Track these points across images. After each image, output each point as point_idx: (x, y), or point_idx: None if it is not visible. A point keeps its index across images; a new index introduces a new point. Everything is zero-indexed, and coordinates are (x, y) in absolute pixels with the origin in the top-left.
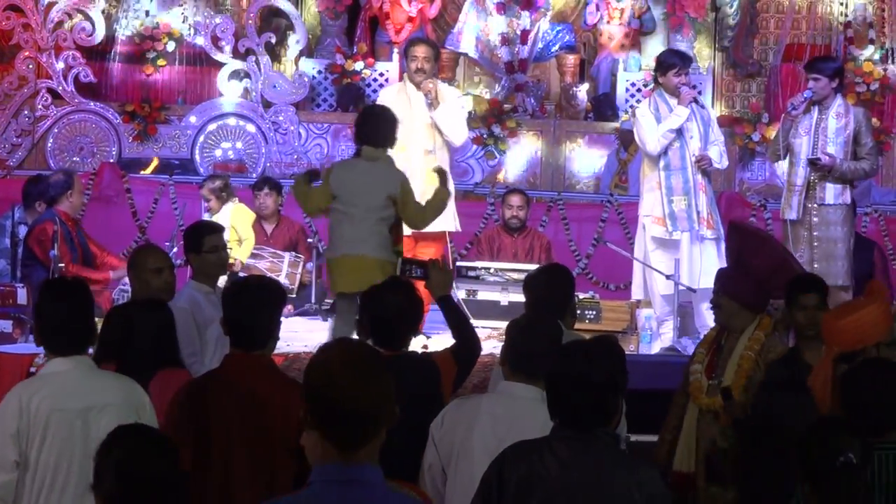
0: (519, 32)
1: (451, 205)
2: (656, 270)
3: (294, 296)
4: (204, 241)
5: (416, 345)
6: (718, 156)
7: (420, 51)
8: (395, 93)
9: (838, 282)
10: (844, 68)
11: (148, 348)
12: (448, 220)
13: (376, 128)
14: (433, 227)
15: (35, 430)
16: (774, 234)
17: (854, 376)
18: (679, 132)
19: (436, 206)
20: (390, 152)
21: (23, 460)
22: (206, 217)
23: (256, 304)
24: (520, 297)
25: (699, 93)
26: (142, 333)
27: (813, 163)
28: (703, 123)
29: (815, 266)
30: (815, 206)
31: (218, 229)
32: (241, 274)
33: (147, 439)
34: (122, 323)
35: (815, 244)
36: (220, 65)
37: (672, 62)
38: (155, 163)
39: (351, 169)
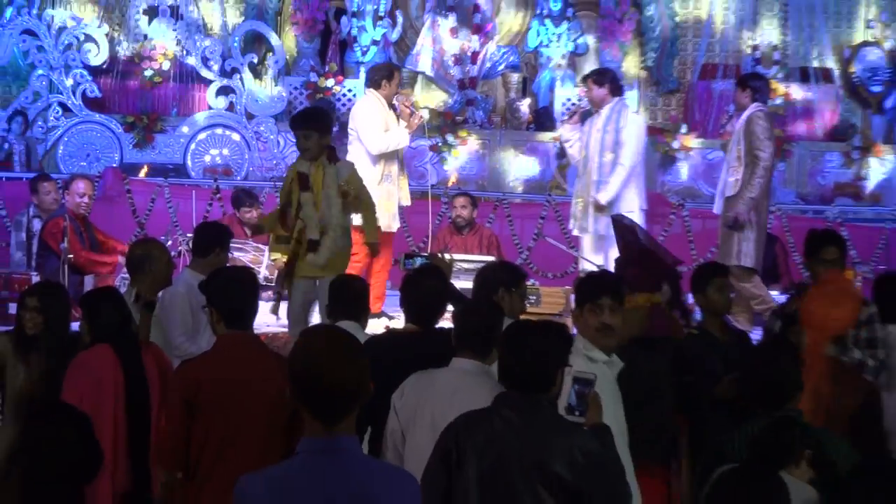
0: (470, 54)
1: (395, 206)
2: (587, 260)
3: (274, 284)
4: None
5: (380, 325)
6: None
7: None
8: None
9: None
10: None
11: (131, 330)
12: (395, 221)
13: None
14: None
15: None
16: (691, 230)
17: (760, 357)
18: (587, 142)
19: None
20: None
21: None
22: None
23: (249, 289)
24: (468, 284)
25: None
26: (129, 318)
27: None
28: (611, 132)
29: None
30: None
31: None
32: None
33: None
34: (113, 309)
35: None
36: (208, 81)
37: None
38: (145, 170)
39: None
